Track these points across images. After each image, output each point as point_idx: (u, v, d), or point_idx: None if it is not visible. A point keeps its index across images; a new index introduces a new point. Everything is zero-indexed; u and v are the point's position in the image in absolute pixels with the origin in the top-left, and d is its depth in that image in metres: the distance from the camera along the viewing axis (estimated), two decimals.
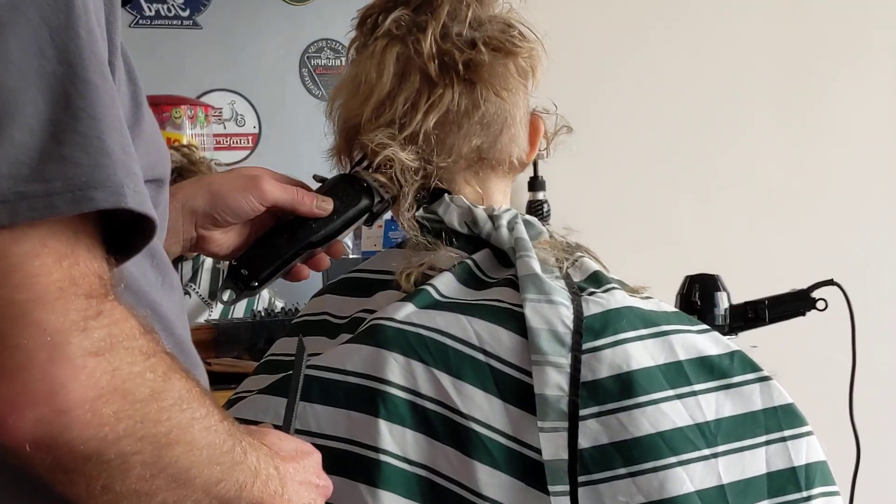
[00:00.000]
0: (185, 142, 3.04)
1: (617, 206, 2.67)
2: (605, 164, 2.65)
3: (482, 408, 1.07)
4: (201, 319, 2.78)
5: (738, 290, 1.84)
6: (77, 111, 0.76)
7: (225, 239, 1.25)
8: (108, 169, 0.75)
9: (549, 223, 2.60)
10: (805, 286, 1.79)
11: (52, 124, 0.75)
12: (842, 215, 2.86)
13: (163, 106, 3.04)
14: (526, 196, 2.37)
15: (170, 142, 3.02)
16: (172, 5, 3.16)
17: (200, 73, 3.28)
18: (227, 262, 1.27)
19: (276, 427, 1.00)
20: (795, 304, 1.78)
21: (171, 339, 0.92)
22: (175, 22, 3.17)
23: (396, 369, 1.08)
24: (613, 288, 1.17)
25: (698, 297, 1.79)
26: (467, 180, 1.24)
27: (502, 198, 1.27)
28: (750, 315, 1.79)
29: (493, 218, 1.20)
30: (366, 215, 1.24)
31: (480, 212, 1.20)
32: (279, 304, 2.82)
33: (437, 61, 1.20)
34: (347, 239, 3.03)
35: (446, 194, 1.22)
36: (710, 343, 1.17)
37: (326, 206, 1.22)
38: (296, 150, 3.17)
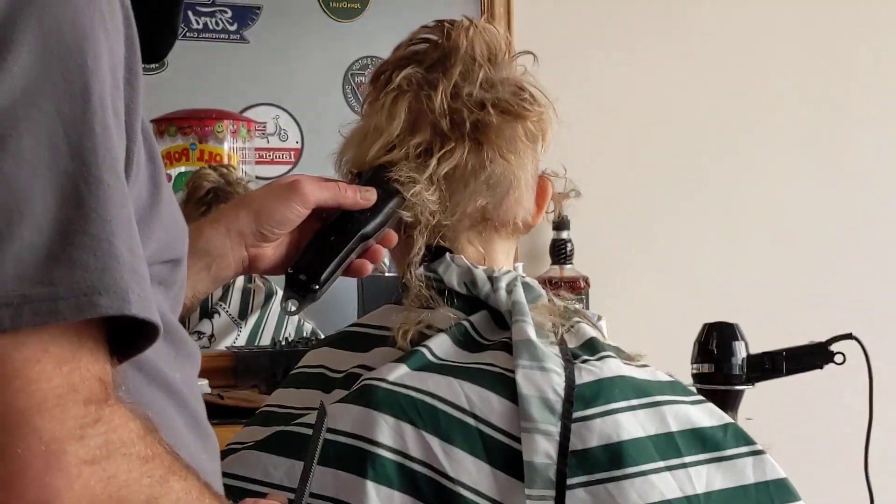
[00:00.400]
0: (225, 156, 3.07)
1: (640, 247, 2.67)
2: (629, 206, 2.65)
3: (470, 472, 1.08)
4: (229, 341, 2.79)
5: (756, 339, 1.83)
6: (88, 211, 0.74)
7: (276, 253, 1.25)
8: (116, 273, 0.74)
9: (573, 262, 2.63)
10: (824, 338, 1.78)
11: (61, 223, 0.73)
12: (865, 269, 2.84)
13: (206, 120, 3.07)
14: (550, 235, 2.38)
15: (211, 157, 3.06)
16: (220, 19, 3.19)
17: (246, 87, 3.31)
18: (285, 274, 1.24)
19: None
20: (813, 356, 1.77)
21: (185, 413, 0.92)
22: (223, 36, 3.19)
23: (386, 431, 1.09)
24: (608, 356, 1.17)
25: (715, 345, 1.79)
26: (470, 240, 1.25)
27: (505, 258, 1.28)
28: (767, 366, 1.78)
29: (493, 280, 1.21)
30: (405, 202, 1.22)
31: (480, 273, 1.21)
32: (309, 327, 2.83)
33: (447, 118, 1.21)
34: (385, 259, 3.06)
35: (448, 253, 1.23)
36: (704, 415, 1.17)
37: (370, 195, 1.22)
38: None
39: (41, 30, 0.76)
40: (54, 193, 0.74)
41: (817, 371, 1.79)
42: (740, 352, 1.80)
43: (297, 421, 1.13)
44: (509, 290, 1.20)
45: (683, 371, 1.82)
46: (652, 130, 2.75)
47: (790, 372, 1.78)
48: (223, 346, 2.79)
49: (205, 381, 2.35)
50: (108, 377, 0.76)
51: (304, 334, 2.77)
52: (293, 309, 1.21)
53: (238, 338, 2.80)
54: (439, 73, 1.23)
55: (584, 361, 1.16)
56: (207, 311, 2.86)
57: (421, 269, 1.23)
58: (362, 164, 1.26)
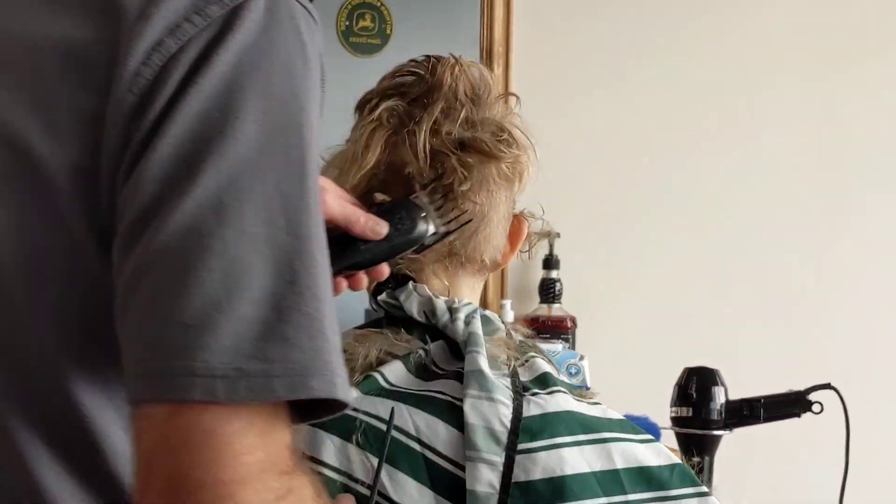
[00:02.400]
0: None
1: (628, 289, 2.68)
2: (619, 247, 2.66)
3: (413, 497, 1.09)
4: None
5: (736, 385, 1.84)
6: (303, 289, 0.75)
7: None
8: (326, 355, 0.75)
9: (561, 301, 2.64)
10: (803, 387, 1.78)
11: (276, 299, 0.74)
12: (845, 320, 2.85)
13: None
14: (540, 274, 2.39)
15: None
16: None
17: None
18: None
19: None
20: (791, 405, 1.78)
21: None
22: None
23: (332, 451, 1.10)
24: (558, 391, 1.19)
25: (695, 389, 1.80)
26: (436, 272, 1.27)
27: (469, 293, 1.30)
28: (745, 412, 1.79)
29: (452, 310, 1.23)
30: (416, 245, 1.22)
31: (440, 303, 1.23)
32: None
33: (423, 157, 1.23)
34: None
35: (411, 282, 1.25)
36: (651, 454, 1.18)
37: (380, 229, 1.21)
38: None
39: (265, 101, 0.77)
40: (271, 269, 0.74)
41: (794, 419, 1.80)
42: (719, 397, 1.81)
43: None
44: (467, 322, 1.21)
45: (664, 413, 1.83)
46: (643, 172, 2.77)
47: (768, 419, 1.79)
48: None
49: None
50: (293, 446, 0.77)
51: None
52: None
53: None
54: (421, 108, 1.25)
55: (534, 394, 1.17)
56: None
57: (383, 296, 1.25)
58: (346, 188, 1.27)
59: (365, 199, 1.24)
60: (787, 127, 2.91)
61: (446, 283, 1.27)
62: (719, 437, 1.81)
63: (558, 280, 2.40)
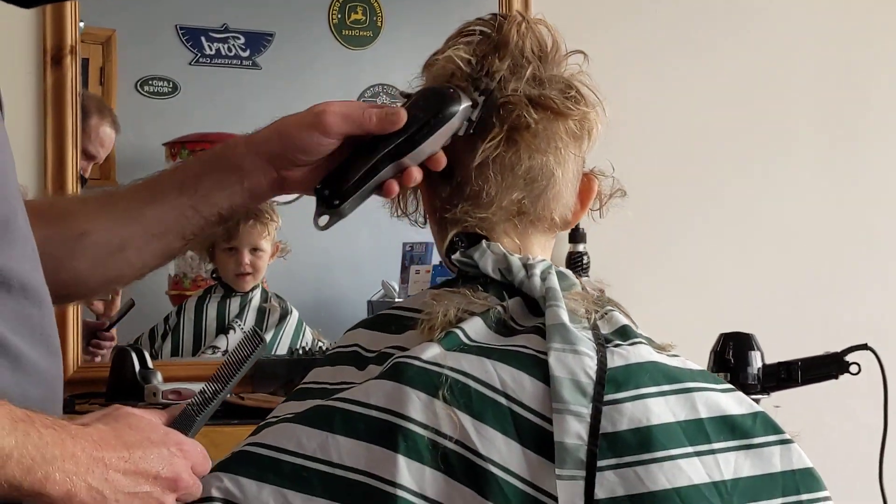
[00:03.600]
0: None
1: (657, 260, 2.69)
2: (647, 219, 2.67)
3: (501, 451, 1.09)
4: None
5: (772, 349, 1.85)
6: None
7: (313, 175, 1.27)
8: None
9: (588, 275, 2.65)
10: (839, 349, 1.79)
11: None
12: (881, 280, 2.86)
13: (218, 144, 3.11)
14: (567, 247, 2.40)
15: None
16: (233, 45, 3.22)
17: (257, 113, 3.31)
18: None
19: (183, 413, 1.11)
20: (828, 366, 1.79)
21: None
22: (235, 62, 3.23)
23: (419, 406, 1.10)
24: (640, 342, 1.19)
25: (732, 355, 1.81)
26: (506, 231, 1.27)
27: (541, 251, 1.29)
28: (783, 376, 1.80)
29: (527, 267, 1.22)
30: (452, 119, 1.23)
31: (515, 260, 1.23)
32: (322, 346, 2.85)
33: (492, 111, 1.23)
34: (394, 283, 3.08)
35: (484, 240, 1.24)
36: (734, 403, 1.18)
37: (396, 117, 1.23)
38: None
39: None
40: None
41: (832, 381, 1.81)
42: (756, 361, 1.82)
43: (332, 396, 1.14)
44: (543, 278, 1.21)
45: None
46: (670, 143, 2.78)
47: (805, 382, 1.80)
48: None
49: None
50: None
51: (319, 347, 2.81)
52: (322, 224, 1.25)
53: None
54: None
55: (617, 346, 1.17)
56: (224, 327, 2.88)
57: (457, 255, 1.24)
58: None
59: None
60: (810, 87, 2.90)
61: (517, 241, 1.27)
62: (757, 401, 1.81)
63: (585, 253, 2.41)
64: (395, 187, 1.27)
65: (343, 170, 1.25)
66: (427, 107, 1.24)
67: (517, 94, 1.23)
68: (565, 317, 1.16)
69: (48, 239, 1.27)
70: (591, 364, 1.13)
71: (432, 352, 1.13)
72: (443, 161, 1.26)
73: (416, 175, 1.26)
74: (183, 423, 1.12)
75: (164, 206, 1.32)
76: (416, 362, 1.12)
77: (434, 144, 1.25)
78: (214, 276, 3.00)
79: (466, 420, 1.10)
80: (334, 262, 3.15)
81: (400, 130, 1.24)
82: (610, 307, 1.24)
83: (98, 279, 1.38)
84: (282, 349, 2.85)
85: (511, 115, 1.23)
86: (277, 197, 1.31)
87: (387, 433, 1.09)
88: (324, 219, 1.25)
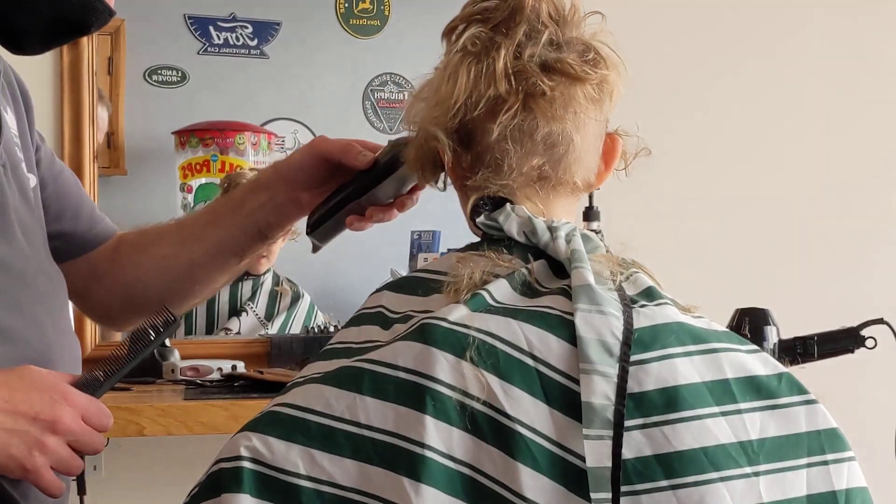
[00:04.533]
0: (246, 168, 3.11)
1: (672, 237, 2.70)
2: (661, 197, 2.67)
3: (528, 411, 1.09)
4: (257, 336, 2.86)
5: (788, 325, 1.85)
6: None
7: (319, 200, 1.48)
8: None
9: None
10: (855, 323, 1.80)
11: None
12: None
13: (227, 132, 3.11)
14: (581, 226, 2.38)
15: (232, 168, 3.09)
16: (241, 34, 3.23)
17: (265, 101, 3.35)
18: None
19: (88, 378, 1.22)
20: (845, 341, 1.80)
21: None
22: (243, 51, 3.24)
23: (446, 368, 1.10)
24: (665, 303, 1.19)
25: (748, 330, 1.81)
26: (528, 196, 1.26)
27: (564, 214, 1.29)
28: (799, 350, 1.81)
29: (552, 229, 1.22)
30: (395, 170, 1.41)
31: (540, 222, 1.23)
32: (338, 326, 2.86)
33: (506, 80, 1.22)
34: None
35: (508, 204, 1.24)
36: (759, 363, 1.18)
37: (365, 158, 1.42)
38: None
39: None
40: None
41: (849, 355, 1.81)
42: (772, 336, 1.83)
43: (359, 357, 1.14)
44: (568, 240, 1.21)
45: None
46: (682, 120, 2.78)
47: (822, 356, 1.81)
48: None
49: (241, 363, 2.46)
50: None
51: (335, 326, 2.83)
52: (313, 249, 1.48)
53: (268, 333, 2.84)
54: (503, 32, 1.24)
55: (643, 306, 1.17)
56: (237, 309, 2.89)
57: (482, 218, 1.24)
58: (425, 120, 1.28)
59: (460, 134, 1.26)
60: (820, 63, 2.89)
61: (540, 206, 1.27)
62: None
63: (599, 231, 2.41)
64: (358, 223, 1.46)
65: (321, 203, 1.46)
66: (384, 155, 1.42)
67: (532, 61, 1.22)
68: (591, 278, 1.16)
69: (138, 265, 1.56)
70: (618, 324, 1.13)
71: (459, 313, 1.13)
72: (409, 204, 1.45)
73: (378, 213, 1.45)
74: (87, 384, 1.22)
75: (219, 228, 1.53)
76: (444, 323, 1.12)
77: (387, 190, 1.43)
78: None
79: (494, 381, 1.10)
80: (342, 251, 3.13)
81: (365, 172, 1.42)
82: (635, 269, 1.24)
83: (177, 296, 1.58)
84: (295, 329, 2.86)
85: (526, 83, 1.22)
86: (313, 251, 1.52)
87: (415, 395, 1.09)
88: (313, 244, 1.49)
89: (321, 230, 1.47)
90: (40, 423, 1.13)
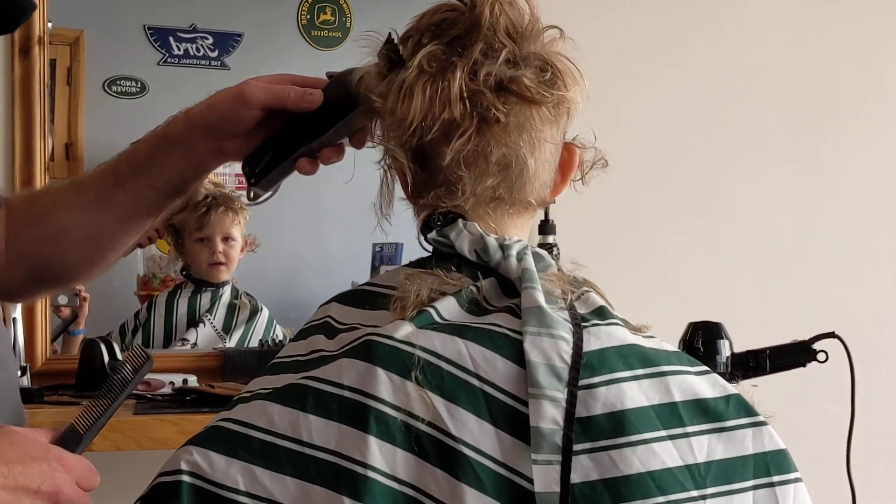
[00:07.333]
0: (208, 182, 3.11)
1: (627, 252, 2.71)
2: (617, 211, 2.68)
3: (473, 432, 1.09)
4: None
5: (740, 338, 1.87)
6: None
7: (250, 146, 1.35)
8: None
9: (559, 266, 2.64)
10: (807, 337, 1.81)
11: None
12: (847, 270, 2.89)
13: None
14: (536, 239, 2.40)
15: None
16: (202, 45, 3.21)
17: None
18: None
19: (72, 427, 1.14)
20: (796, 354, 1.81)
21: None
22: (203, 62, 3.22)
23: (390, 388, 1.09)
24: (616, 324, 1.19)
25: (701, 343, 1.82)
26: (481, 216, 1.25)
27: (517, 232, 1.28)
28: (751, 364, 1.82)
29: (504, 248, 1.21)
30: (355, 103, 1.26)
31: (492, 240, 1.22)
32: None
33: (461, 103, 1.20)
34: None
35: (460, 220, 1.23)
36: (707, 386, 1.18)
37: (313, 98, 1.28)
38: (317, 191, 3.22)
39: None
40: None
41: (800, 369, 1.83)
42: (725, 350, 1.84)
43: (304, 373, 1.14)
44: (520, 258, 1.20)
45: None
46: (638, 135, 2.79)
47: (774, 370, 1.82)
48: None
49: (193, 377, 2.42)
50: None
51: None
52: (251, 198, 1.35)
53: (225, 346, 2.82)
54: (458, 53, 1.21)
55: (594, 325, 1.16)
56: (195, 321, 2.88)
57: (433, 234, 1.23)
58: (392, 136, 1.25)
59: (416, 153, 1.24)
60: (779, 83, 2.92)
61: (493, 225, 1.26)
62: None
63: (555, 245, 2.42)
64: (311, 167, 1.34)
65: (262, 149, 1.33)
66: (338, 95, 1.28)
67: (488, 82, 1.20)
68: (541, 299, 1.15)
69: (37, 240, 1.41)
70: (567, 348, 1.12)
71: (404, 330, 1.13)
72: (364, 141, 1.31)
73: (334, 155, 1.33)
74: (69, 439, 1.15)
75: (127, 189, 1.42)
76: (389, 341, 1.12)
77: (342, 131, 1.29)
78: (185, 273, 2.99)
79: (439, 402, 1.09)
80: (304, 263, 3.14)
81: (314, 113, 1.28)
82: (586, 288, 1.23)
83: (85, 268, 1.47)
84: (254, 343, 2.84)
85: (481, 107, 1.20)
86: (251, 200, 1.36)
87: (358, 414, 1.09)
88: (254, 193, 1.33)
89: (268, 179, 1.34)
90: (42, 496, 1.08)
